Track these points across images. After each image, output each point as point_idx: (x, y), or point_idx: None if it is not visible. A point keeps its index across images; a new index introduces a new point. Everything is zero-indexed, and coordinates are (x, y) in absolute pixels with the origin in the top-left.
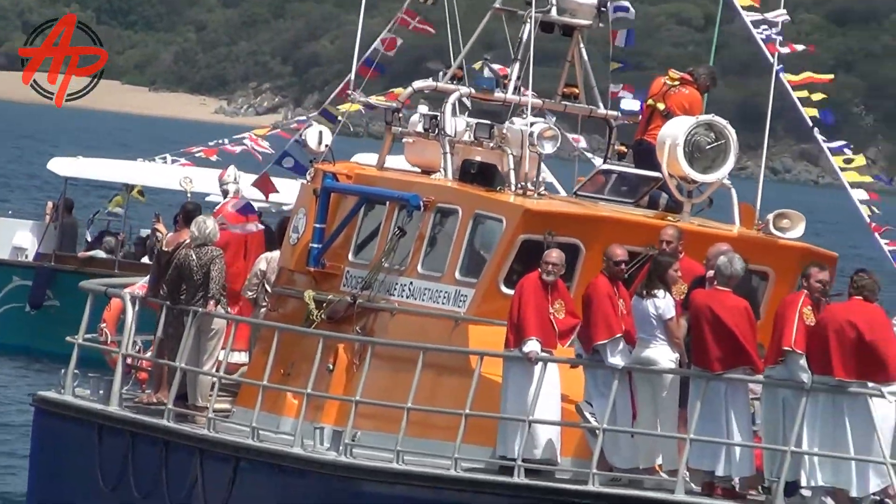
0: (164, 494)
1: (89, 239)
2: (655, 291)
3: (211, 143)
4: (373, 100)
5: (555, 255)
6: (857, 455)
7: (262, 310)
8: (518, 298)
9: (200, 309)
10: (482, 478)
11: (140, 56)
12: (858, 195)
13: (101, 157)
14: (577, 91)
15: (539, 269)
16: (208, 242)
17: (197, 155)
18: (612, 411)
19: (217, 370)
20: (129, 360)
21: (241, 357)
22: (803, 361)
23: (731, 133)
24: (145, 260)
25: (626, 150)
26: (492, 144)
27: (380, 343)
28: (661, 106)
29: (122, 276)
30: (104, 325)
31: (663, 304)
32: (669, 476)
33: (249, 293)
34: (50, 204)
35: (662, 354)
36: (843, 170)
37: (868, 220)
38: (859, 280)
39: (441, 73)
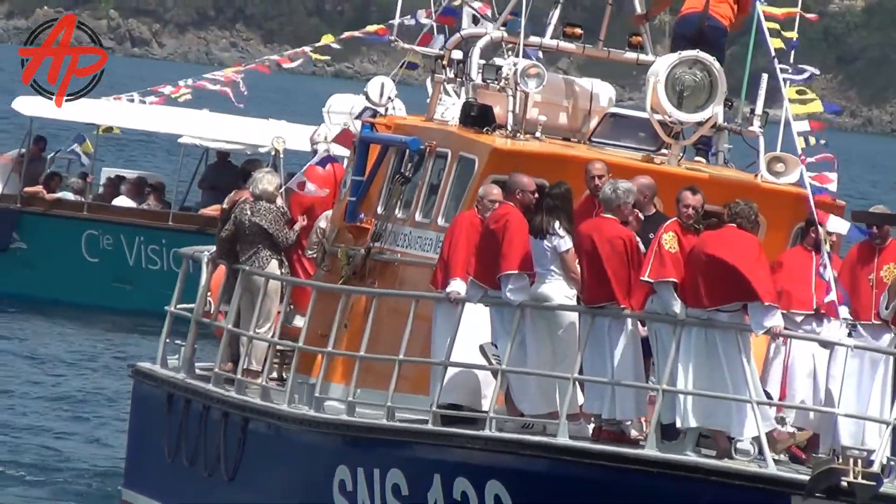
0: (222, 465)
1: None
2: (550, 226)
3: (181, 82)
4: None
5: (495, 192)
6: (735, 395)
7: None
8: (449, 236)
9: (246, 268)
10: (399, 426)
11: None
12: (800, 126)
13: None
14: (641, 40)
15: (476, 207)
16: (266, 199)
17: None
18: (521, 352)
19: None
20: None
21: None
22: (670, 291)
23: (719, 70)
24: (117, 202)
25: None
26: (497, 86)
27: (354, 291)
28: None
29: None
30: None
31: (558, 237)
32: (572, 421)
33: (310, 252)
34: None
35: (557, 290)
36: (792, 101)
37: (800, 151)
38: (734, 207)
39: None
